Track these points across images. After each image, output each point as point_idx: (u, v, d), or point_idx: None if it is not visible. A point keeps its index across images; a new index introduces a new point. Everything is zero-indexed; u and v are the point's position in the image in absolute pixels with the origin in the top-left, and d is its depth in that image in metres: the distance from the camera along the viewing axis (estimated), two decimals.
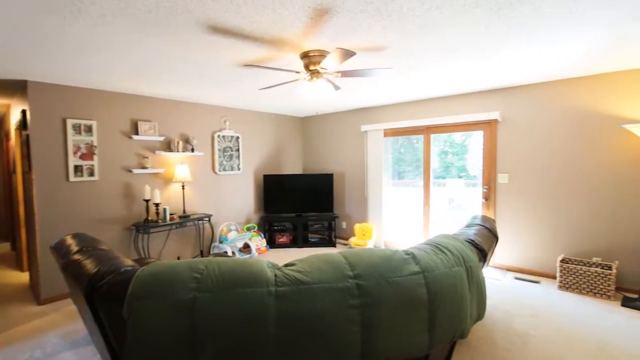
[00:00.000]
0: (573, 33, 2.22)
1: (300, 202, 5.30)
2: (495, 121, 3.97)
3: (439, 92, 4.13)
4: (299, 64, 2.61)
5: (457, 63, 2.86)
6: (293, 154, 6.03)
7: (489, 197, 4.09)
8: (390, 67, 2.40)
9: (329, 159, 5.77)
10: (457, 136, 4.77)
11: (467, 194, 4.92)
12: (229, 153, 4.89)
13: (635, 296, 3.10)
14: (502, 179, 3.97)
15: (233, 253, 4.52)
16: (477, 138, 4.46)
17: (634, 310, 2.92)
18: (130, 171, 3.83)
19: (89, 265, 1.43)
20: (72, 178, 3.38)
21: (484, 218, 2.80)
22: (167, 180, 4.18)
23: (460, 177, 4.90)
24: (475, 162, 4.55)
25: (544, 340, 2.44)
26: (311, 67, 2.41)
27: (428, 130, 4.57)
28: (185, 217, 4.12)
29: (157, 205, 3.84)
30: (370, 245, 4.86)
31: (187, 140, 4.37)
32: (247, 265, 1.25)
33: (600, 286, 3.18)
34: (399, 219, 5.19)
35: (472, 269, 1.54)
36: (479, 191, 4.25)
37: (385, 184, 5.06)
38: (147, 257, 3.53)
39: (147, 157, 3.93)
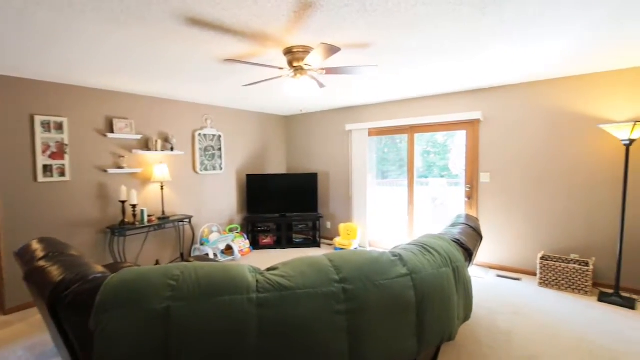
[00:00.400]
0: (554, 33, 2.24)
1: (284, 202, 5.22)
2: (478, 121, 4.01)
3: (424, 92, 4.14)
4: (283, 61, 2.53)
5: (442, 62, 2.86)
6: (277, 154, 5.93)
7: (471, 196, 4.14)
8: (376, 65, 2.36)
9: (313, 159, 5.71)
10: (440, 136, 4.81)
11: (449, 193, 4.98)
12: (210, 152, 4.75)
13: (611, 291, 3.20)
14: (484, 178, 4.02)
15: (215, 255, 4.39)
16: (459, 138, 4.52)
17: (609, 305, 3.01)
18: (105, 171, 3.65)
19: (54, 272, 1.31)
20: (40, 178, 3.18)
21: (468, 217, 2.81)
22: (145, 181, 4.01)
23: (442, 176, 4.94)
24: (457, 161, 4.60)
25: (527, 338, 2.46)
26: (295, 64, 2.34)
27: (412, 129, 4.58)
28: (164, 219, 3.97)
29: (134, 206, 3.67)
30: (355, 245, 4.83)
31: (166, 139, 4.21)
32: (227, 271, 1.17)
33: (578, 282, 3.26)
34: (383, 218, 5.19)
35: (459, 269, 1.51)
36: (461, 190, 4.29)
37: (370, 183, 5.04)
38: (123, 262, 3.37)
39: (123, 157, 3.75)
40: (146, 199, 4.02)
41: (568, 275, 3.31)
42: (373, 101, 4.73)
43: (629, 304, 2.94)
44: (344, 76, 3.28)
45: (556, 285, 3.38)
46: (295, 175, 5.33)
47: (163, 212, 4.08)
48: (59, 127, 3.30)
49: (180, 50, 2.43)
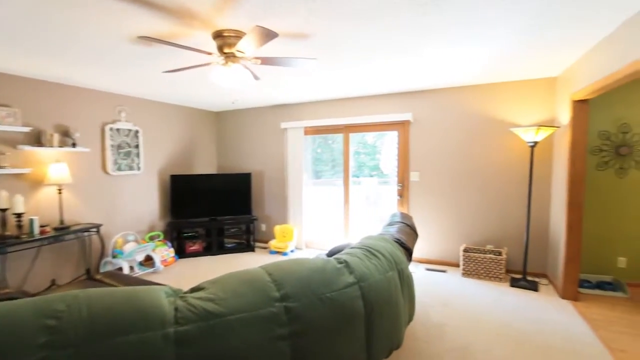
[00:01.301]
0: (484, 36, 2.38)
1: (214, 205, 4.81)
2: (408, 122, 4.19)
3: (359, 92, 4.18)
4: (212, 46, 2.25)
5: (380, 60, 2.86)
6: (206, 152, 5.46)
7: (403, 194, 4.30)
8: (315, 58, 2.23)
9: (246, 158, 5.39)
10: (369, 137, 4.93)
11: (381, 191, 5.14)
12: (125, 150, 4.12)
13: (520, 277, 3.59)
14: (414, 177, 4.22)
15: (131, 269, 3.82)
16: (389, 138, 4.68)
17: (519, 289, 3.36)
18: None
19: None
20: None
21: (403, 215, 2.86)
22: (36, 183, 3.28)
23: (372, 176, 5.08)
24: (388, 161, 4.76)
25: (457, 329, 2.59)
26: (226, 50, 2.08)
27: (348, 129, 4.60)
28: (63, 229, 3.29)
29: (19, 215, 2.97)
30: (291, 247, 4.68)
31: (65, 133, 3.51)
32: (134, 299, 0.90)
33: (494, 270, 3.60)
34: (319, 218, 5.13)
35: (403, 271, 1.46)
36: (392, 189, 4.44)
37: (306, 183, 4.94)
38: (2, 287, 2.68)
39: (4, 154, 3.00)
40: (38, 206, 3.29)
41: (485, 264, 3.63)
42: (309, 99, 4.63)
43: (534, 287, 3.33)
44: (281, 71, 3.10)
45: (476, 274, 3.68)
46: (226, 176, 4.95)
47: (62, 221, 3.38)
48: None
49: (79, 21, 1.98)
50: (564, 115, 3.17)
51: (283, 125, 4.88)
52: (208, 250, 4.69)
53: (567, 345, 2.32)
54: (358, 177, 4.91)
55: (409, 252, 1.82)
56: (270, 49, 2.45)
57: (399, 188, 4.32)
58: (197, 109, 5.24)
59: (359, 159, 4.98)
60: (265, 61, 2.23)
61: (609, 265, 3.43)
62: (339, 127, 4.63)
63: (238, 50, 2.03)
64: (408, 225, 2.45)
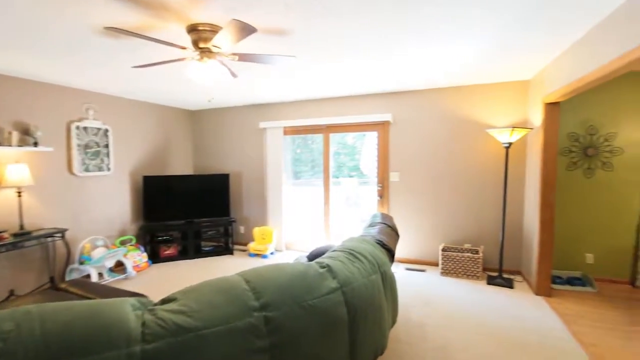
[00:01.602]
0: (463, 35, 2.41)
1: (191, 207, 4.64)
2: (388, 122, 4.20)
3: (340, 92, 4.15)
4: (187, 40, 2.14)
5: (360, 60, 2.84)
6: (182, 152, 5.26)
7: (383, 194, 4.32)
8: (294, 56, 2.17)
9: (224, 158, 5.24)
10: (349, 138, 4.93)
11: (361, 192, 5.14)
12: (94, 149, 3.89)
13: (496, 274, 3.68)
14: (393, 177, 4.24)
15: (100, 275, 3.60)
16: (369, 139, 4.69)
17: (496, 287, 3.44)
18: None
19: None
20: None
21: (384, 216, 2.85)
22: None
23: (351, 176, 5.08)
24: (368, 161, 4.77)
25: (438, 328, 2.60)
26: (201, 44, 1.99)
27: (328, 129, 4.57)
28: (23, 235, 3.05)
29: None
30: (271, 249, 4.58)
31: (26, 132, 3.26)
32: (95, 314, 0.80)
33: (472, 269, 3.67)
34: (299, 219, 5.06)
35: (386, 274, 1.43)
36: (372, 189, 4.45)
37: (285, 184, 4.86)
38: None
39: None
40: None
41: (463, 263, 3.69)
42: (289, 99, 4.56)
43: (509, 284, 3.42)
44: (260, 68, 3.01)
45: (455, 273, 3.73)
46: (204, 177, 4.80)
47: (21, 226, 3.14)
48: None
49: (41, 10, 1.82)
50: (537, 117, 3.28)
51: (262, 125, 4.79)
52: (184, 254, 4.51)
53: (542, 341, 2.38)
54: (338, 177, 4.89)
55: (390, 253, 1.81)
56: (248, 46, 2.37)
57: (379, 188, 4.33)
58: (172, 107, 5.04)
59: (338, 159, 4.96)
60: (243, 58, 2.15)
61: (578, 262, 3.58)
62: (319, 127, 4.59)
63: (214, 46, 1.95)
64: (389, 226, 2.44)
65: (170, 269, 4.08)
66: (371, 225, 2.53)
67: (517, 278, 3.64)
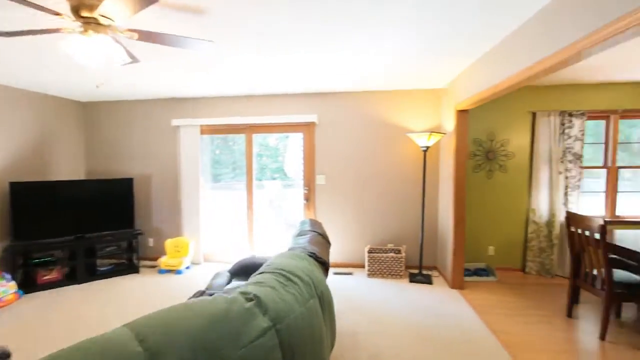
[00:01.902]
0: (383, 36, 2.39)
1: (82, 219, 3.81)
2: (314, 124, 4.10)
3: (263, 90, 3.89)
4: (65, 7, 1.65)
5: (287, 56, 2.64)
6: (70, 153, 4.32)
7: (309, 197, 4.19)
8: (211, 40, 1.86)
9: (128, 160, 4.48)
10: (272, 139, 4.71)
11: (286, 195, 4.95)
12: None
13: (417, 272, 3.87)
14: (320, 180, 4.15)
15: None
16: (293, 140, 4.53)
17: (417, 284, 3.60)
18: None
19: None
20: None
21: (313, 222, 2.69)
22: None
23: (274, 179, 4.87)
24: (292, 164, 4.60)
25: (367, 334, 2.54)
26: (84, 13, 1.53)
27: (251, 129, 4.25)
28: None
29: None
30: (186, 263, 4.05)
31: None
32: None
33: (395, 268, 3.78)
34: (220, 227, 4.61)
35: (324, 294, 1.25)
36: (298, 192, 4.30)
37: (203, 187, 4.38)
38: None
39: None
40: None
41: (388, 263, 3.78)
42: (207, 94, 4.10)
43: (428, 280, 3.61)
44: (171, 55, 2.57)
45: (380, 273, 3.80)
46: (100, 182, 3.99)
47: None
48: None
49: None
50: (449, 123, 3.54)
51: (175, 122, 4.22)
52: (72, 279, 3.67)
53: (464, 336, 2.50)
54: (261, 180, 4.61)
55: (325, 266, 1.64)
56: (154, 24, 1.97)
57: (306, 192, 4.19)
58: (54, 97, 4.10)
59: (261, 161, 4.68)
60: (146, 37, 1.75)
61: (482, 254, 3.99)
62: (241, 126, 4.24)
63: (103, 16, 1.52)
64: (320, 234, 2.28)
65: (51, 300, 3.25)
66: (300, 234, 2.34)
67: (434, 273, 3.88)
